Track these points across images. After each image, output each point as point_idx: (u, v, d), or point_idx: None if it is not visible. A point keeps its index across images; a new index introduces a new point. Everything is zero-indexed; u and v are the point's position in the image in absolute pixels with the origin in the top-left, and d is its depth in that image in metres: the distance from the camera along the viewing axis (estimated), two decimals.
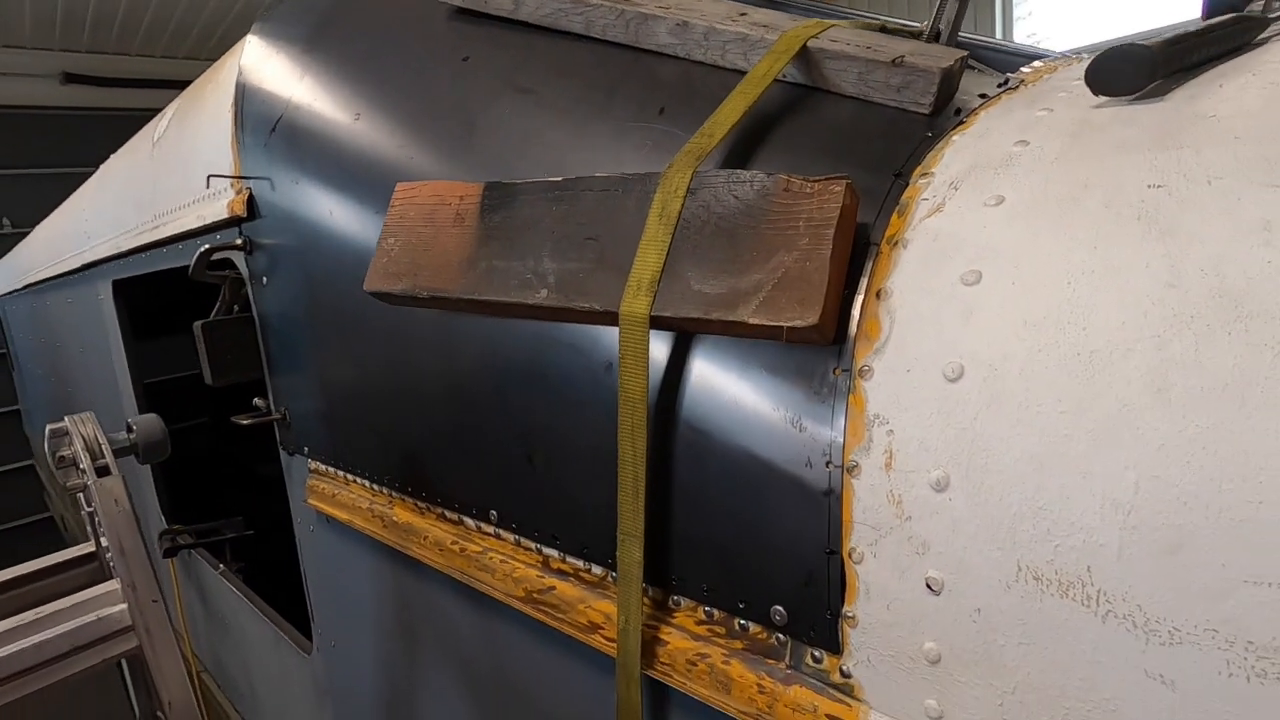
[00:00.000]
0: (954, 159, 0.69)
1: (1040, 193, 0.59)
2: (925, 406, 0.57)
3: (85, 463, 0.90)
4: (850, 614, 0.61)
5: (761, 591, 0.68)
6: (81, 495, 0.94)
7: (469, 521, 1.05)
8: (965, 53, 0.85)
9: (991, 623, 0.52)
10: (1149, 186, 0.54)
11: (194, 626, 2.66)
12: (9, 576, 0.89)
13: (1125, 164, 0.56)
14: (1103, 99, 0.67)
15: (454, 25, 1.19)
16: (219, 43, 7.15)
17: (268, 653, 1.98)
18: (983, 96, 0.85)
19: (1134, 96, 0.65)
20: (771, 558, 0.67)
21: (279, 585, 2.20)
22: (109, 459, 0.92)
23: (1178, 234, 0.50)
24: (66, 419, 0.95)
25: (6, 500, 7.03)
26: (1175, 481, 0.45)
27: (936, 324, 0.58)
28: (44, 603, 0.88)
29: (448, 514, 1.09)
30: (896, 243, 0.65)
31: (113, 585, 0.86)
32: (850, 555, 0.61)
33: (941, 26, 1.00)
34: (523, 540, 0.95)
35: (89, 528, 0.98)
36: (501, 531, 0.99)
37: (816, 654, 0.64)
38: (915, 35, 1.04)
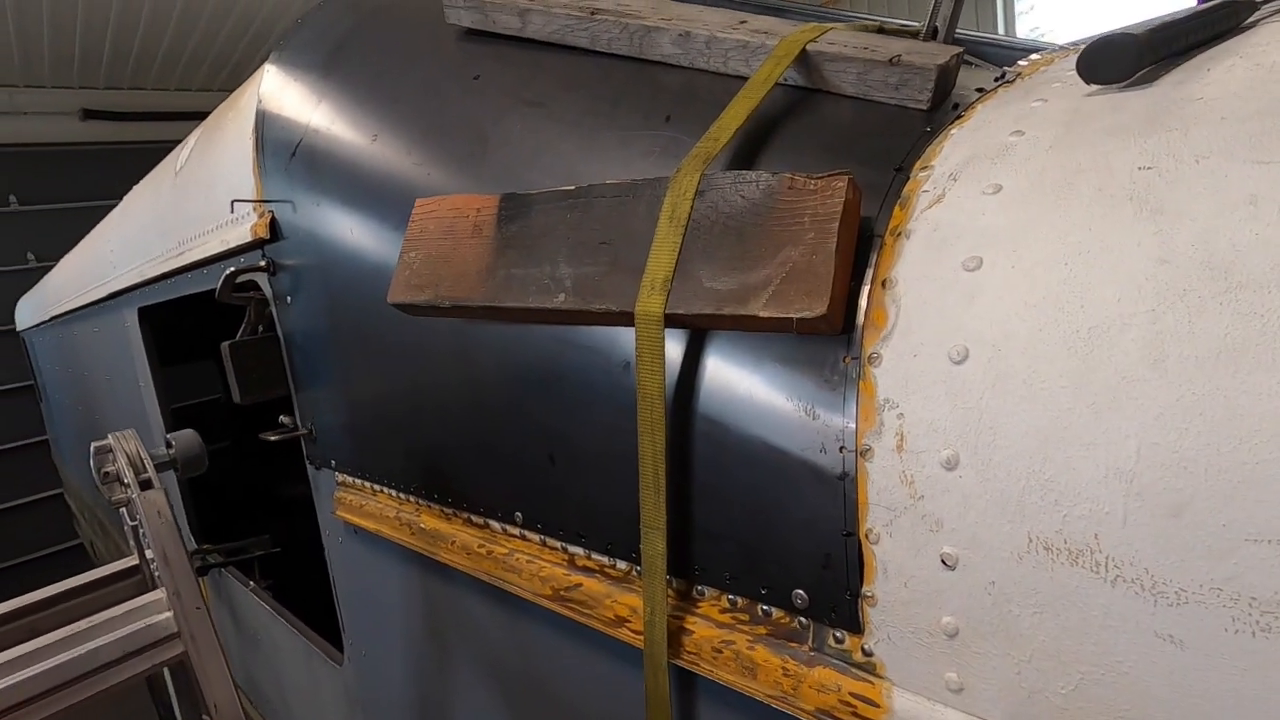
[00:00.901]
0: (952, 151, 0.72)
1: (1036, 179, 0.62)
2: (933, 389, 0.59)
3: (129, 477, 0.94)
4: (869, 593, 0.63)
5: (782, 577, 0.70)
6: (125, 509, 0.99)
7: (495, 524, 1.08)
8: (961, 49, 0.88)
9: (1005, 594, 0.54)
10: (1139, 169, 0.56)
11: (226, 643, 2.70)
12: (58, 590, 0.94)
13: (1116, 148, 0.59)
14: (1094, 87, 0.70)
15: (464, 45, 1.23)
16: (230, 74, 7.32)
17: (299, 665, 2.02)
18: (980, 91, 0.87)
19: (1124, 83, 0.68)
20: (791, 543, 0.69)
21: (306, 601, 2.25)
22: (151, 473, 0.96)
23: (1168, 212, 0.52)
24: (110, 436, 1.00)
25: (37, 528, 7.16)
26: (1175, 447, 0.47)
27: (940, 309, 0.60)
28: (93, 614, 0.92)
29: (474, 518, 1.12)
30: (899, 234, 0.67)
31: (158, 594, 0.90)
32: (867, 536, 0.63)
33: (938, 24, 1.03)
34: (548, 540, 0.98)
35: (132, 541, 1.02)
36: (527, 532, 1.01)
37: (838, 635, 0.66)
38: (913, 35, 1.07)
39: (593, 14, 1.09)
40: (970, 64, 1.00)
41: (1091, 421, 0.50)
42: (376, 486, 1.37)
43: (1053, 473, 0.52)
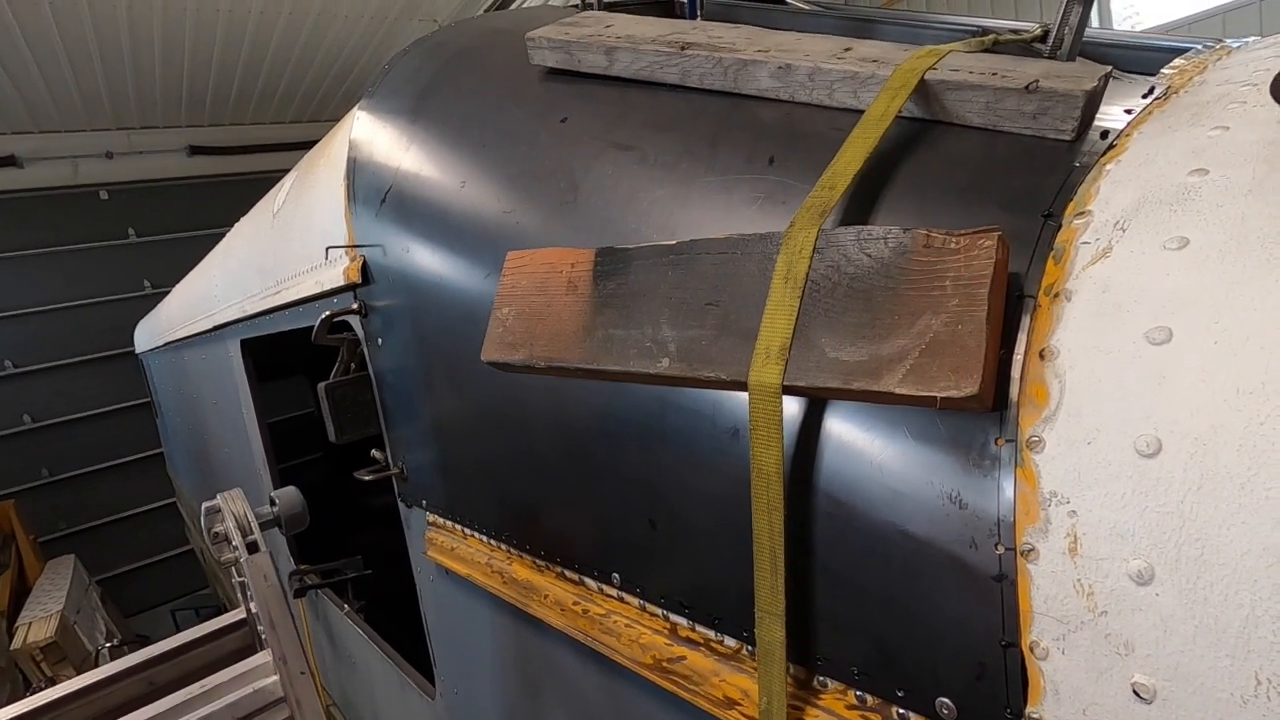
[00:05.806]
0: (1114, 193, 0.63)
1: (1236, 232, 0.52)
2: (1115, 485, 0.50)
3: (237, 540, 0.96)
4: (1036, 715, 0.55)
5: (923, 681, 0.63)
6: (234, 567, 1.01)
7: (590, 582, 1.04)
8: (1109, 68, 0.78)
9: None
10: None
11: (322, 661, 2.80)
12: (174, 645, 0.97)
13: None
14: None
15: (549, 86, 1.21)
16: (318, 106, 7.75)
17: (393, 693, 2.05)
18: (1128, 112, 0.77)
19: None
20: (934, 645, 0.61)
21: (396, 618, 2.29)
22: (257, 534, 0.98)
23: None
24: (219, 497, 1.03)
25: (153, 535, 7.74)
26: None
27: (1120, 389, 0.52)
28: (205, 668, 0.94)
29: (568, 573, 1.08)
30: (1057, 294, 0.59)
31: (265, 658, 0.91)
32: (1031, 650, 0.54)
33: (1065, 34, 0.93)
34: (648, 605, 0.93)
35: (240, 595, 1.04)
36: (625, 595, 0.97)
37: None
38: (1027, 44, 0.97)
39: (683, 49, 1.04)
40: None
41: None
42: (468, 530, 1.36)
43: None
